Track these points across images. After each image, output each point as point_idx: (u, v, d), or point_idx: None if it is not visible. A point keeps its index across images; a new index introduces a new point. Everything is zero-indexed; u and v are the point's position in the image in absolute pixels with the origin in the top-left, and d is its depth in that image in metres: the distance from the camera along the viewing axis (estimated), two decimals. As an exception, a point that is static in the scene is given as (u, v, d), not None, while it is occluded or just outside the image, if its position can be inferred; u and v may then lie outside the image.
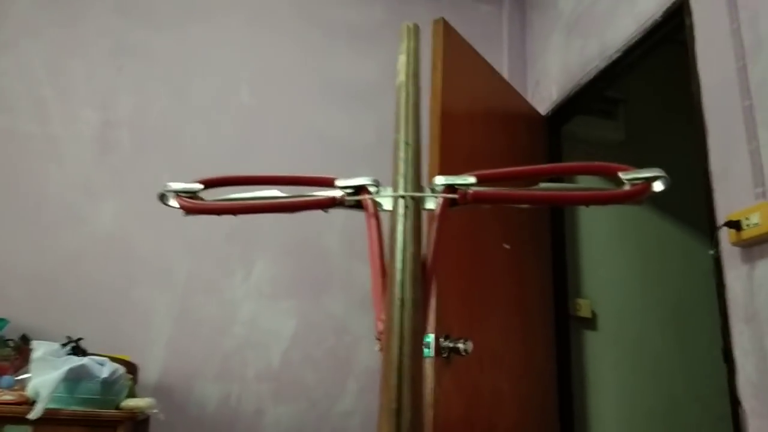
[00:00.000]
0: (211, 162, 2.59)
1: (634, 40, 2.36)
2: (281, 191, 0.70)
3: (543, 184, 0.65)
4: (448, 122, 2.06)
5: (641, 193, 0.63)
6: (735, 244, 1.72)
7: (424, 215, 0.64)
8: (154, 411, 1.87)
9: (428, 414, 1.69)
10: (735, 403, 1.67)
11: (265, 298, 2.51)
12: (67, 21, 2.63)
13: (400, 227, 0.59)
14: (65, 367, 1.72)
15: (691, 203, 2.09)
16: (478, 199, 0.64)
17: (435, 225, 0.63)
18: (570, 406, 2.61)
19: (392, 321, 0.53)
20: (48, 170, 2.43)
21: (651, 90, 3.19)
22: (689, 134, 2.03)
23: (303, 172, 2.63)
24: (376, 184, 0.68)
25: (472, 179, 0.65)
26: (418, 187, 0.65)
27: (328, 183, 0.69)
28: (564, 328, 2.68)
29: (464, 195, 0.65)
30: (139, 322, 2.34)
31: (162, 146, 2.58)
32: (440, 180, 0.66)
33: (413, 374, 0.50)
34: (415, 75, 0.76)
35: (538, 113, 2.90)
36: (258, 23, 2.88)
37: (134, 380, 2.02)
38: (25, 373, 1.81)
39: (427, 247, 0.62)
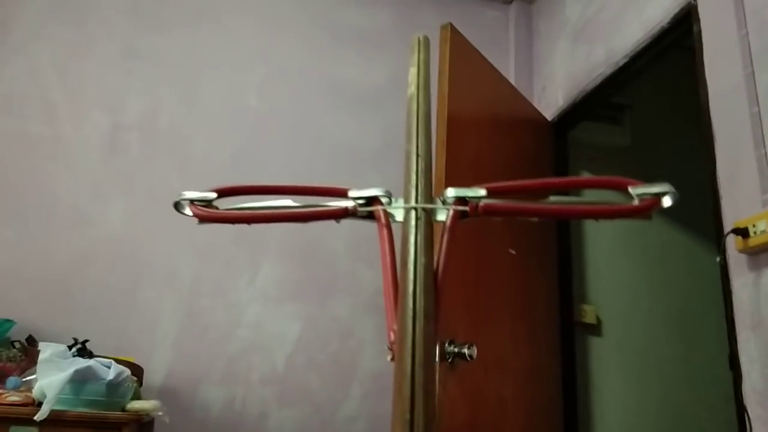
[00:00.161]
0: (218, 165, 2.60)
1: (641, 47, 2.36)
2: (294, 200, 0.71)
3: (553, 198, 0.66)
4: (455, 127, 2.07)
5: (650, 208, 0.63)
6: (742, 251, 1.72)
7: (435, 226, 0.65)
8: (159, 413, 1.88)
9: (433, 419, 1.69)
10: (741, 410, 1.67)
11: (270, 302, 2.52)
12: (77, 24, 2.65)
13: (412, 238, 0.60)
14: (71, 369, 1.73)
15: (698, 210, 2.08)
16: (488, 211, 0.65)
17: (445, 236, 0.64)
18: (575, 412, 2.60)
19: (404, 331, 0.53)
20: (57, 172, 2.45)
21: (657, 96, 3.19)
22: (696, 140, 2.03)
23: (310, 176, 2.64)
24: (388, 195, 0.69)
25: (482, 192, 0.66)
26: (430, 199, 0.66)
27: (342, 194, 0.70)
28: (569, 333, 2.68)
29: (475, 207, 0.65)
30: (145, 325, 2.36)
31: (170, 149, 2.59)
32: (451, 192, 0.66)
33: (426, 384, 0.50)
34: (425, 87, 0.77)
35: (544, 118, 2.90)
36: (267, 27, 2.89)
37: (139, 382, 2.03)
38: (32, 374, 1.82)
39: (438, 258, 0.62)
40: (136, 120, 2.60)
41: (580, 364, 2.72)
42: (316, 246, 2.62)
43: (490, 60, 2.48)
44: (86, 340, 1.95)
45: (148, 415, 1.86)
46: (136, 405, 1.83)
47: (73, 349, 1.88)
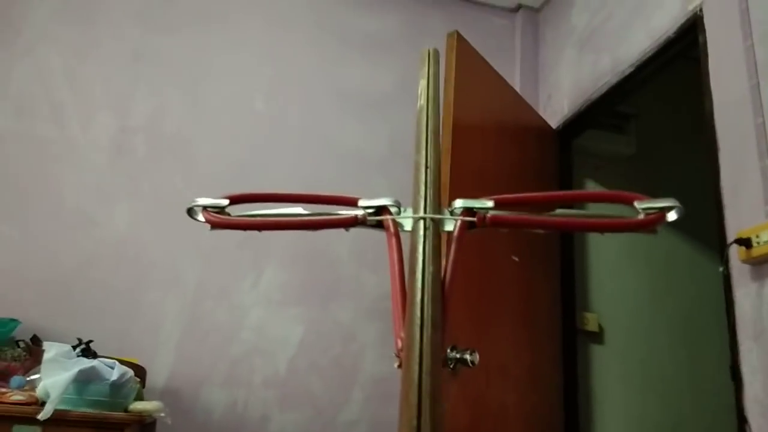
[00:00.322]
0: (224, 168, 2.61)
1: (647, 56, 2.37)
2: (304, 208, 0.72)
3: (559, 210, 0.67)
4: (460, 134, 2.08)
5: (655, 223, 0.64)
6: (745, 261, 1.73)
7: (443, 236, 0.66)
8: (162, 415, 1.88)
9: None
10: (742, 420, 1.67)
11: (273, 305, 2.53)
12: (85, 26, 2.67)
13: (420, 248, 0.61)
14: (75, 369, 1.74)
15: (701, 219, 2.09)
16: (495, 222, 0.66)
17: (453, 246, 0.65)
18: (576, 420, 2.60)
19: (412, 340, 0.54)
20: (63, 174, 2.46)
21: (662, 105, 3.19)
22: (700, 150, 2.03)
23: (316, 179, 2.65)
24: (397, 204, 0.70)
25: (490, 203, 0.67)
26: (438, 209, 0.67)
27: (351, 202, 0.71)
28: (571, 341, 2.68)
29: (482, 218, 0.66)
30: (148, 326, 2.36)
31: (176, 152, 2.61)
32: (459, 203, 0.67)
33: (433, 392, 0.51)
34: (435, 100, 0.78)
35: (549, 127, 2.91)
36: (274, 30, 2.91)
37: (142, 383, 2.04)
38: (36, 373, 1.83)
39: (445, 267, 0.63)
40: (143, 122, 2.61)
41: (582, 372, 2.72)
42: (320, 250, 2.63)
43: (495, 67, 2.49)
44: (90, 341, 1.96)
45: (150, 416, 1.87)
46: (138, 406, 1.83)
47: (78, 350, 1.89)
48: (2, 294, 2.23)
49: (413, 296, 0.56)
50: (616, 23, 2.60)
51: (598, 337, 2.82)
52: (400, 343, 0.57)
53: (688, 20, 2.16)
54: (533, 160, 2.74)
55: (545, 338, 2.55)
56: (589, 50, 2.77)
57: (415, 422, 0.48)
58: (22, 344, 2.01)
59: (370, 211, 0.70)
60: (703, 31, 2.07)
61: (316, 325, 2.54)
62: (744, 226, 1.75)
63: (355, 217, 0.69)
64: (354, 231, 0.73)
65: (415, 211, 0.67)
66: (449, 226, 0.67)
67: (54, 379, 1.71)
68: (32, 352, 1.99)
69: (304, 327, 2.53)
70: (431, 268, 0.58)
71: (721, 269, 1.81)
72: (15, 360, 1.95)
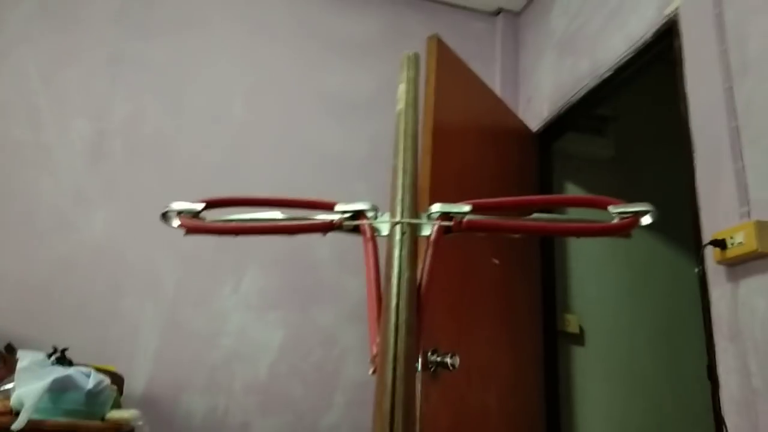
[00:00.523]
0: (203, 173, 2.59)
1: (624, 60, 2.40)
2: (281, 212, 0.71)
3: (535, 214, 0.67)
4: (440, 137, 2.08)
5: (629, 227, 0.65)
6: (720, 262, 1.75)
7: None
8: (139, 423, 1.85)
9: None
10: (719, 420, 1.69)
11: (253, 310, 2.50)
12: (63, 30, 2.63)
13: (396, 253, 0.60)
14: (50, 378, 1.71)
15: (680, 221, 2.11)
16: (472, 227, 0.66)
17: (429, 251, 0.65)
18: (557, 421, 2.62)
19: (387, 345, 0.54)
20: (40, 178, 2.42)
21: (640, 108, 3.23)
22: (677, 152, 2.06)
23: (296, 184, 2.63)
24: (375, 209, 0.70)
25: (467, 208, 0.67)
26: (415, 214, 0.66)
27: (328, 207, 0.70)
28: (552, 343, 2.70)
29: (459, 223, 0.66)
30: (126, 332, 2.33)
31: (154, 156, 2.58)
32: (436, 207, 0.67)
33: (406, 399, 0.51)
34: (414, 104, 0.78)
35: (529, 129, 2.93)
36: (254, 34, 2.89)
37: (120, 391, 2.01)
38: (10, 383, 1.79)
39: (421, 272, 0.63)
40: (121, 126, 2.58)
41: (563, 373, 2.73)
42: (301, 254, 2.62)
43: (476, 71, 2.50)
44: (65, 348, 1.92)
45: (128, 424, 1.84)
46: (115, 414, 1.80)
47: (52, 358, 1.85)
48: (-25, 301, 2.19)
49: (388, 301, 0.56)
50: (594, 27, 2.63)
51: (578, 338, 2.84)
52: (375, 349, 0.56)
53: (664, 24, 2.20)
54: (514, 162, 2.76)
55: (526, 340, 2.56)
56: (568, 54, 2.80)
57: (387, 429, 0.48)
58: (-5, 353, 1.97)
59: (347, 215, 0.69)
60: (679, 35, 2.10)
61: (296, 329, 2.52)
62: (719, 227, 1.77)
63: (332, 222, 0.69)
64: (335, 235, 0.72)
65: (392, 215, 0.66)
66: (426, 231, 0.67)
67: (28, 388, 1.68)
68: (6, 361, 1.94)
69: (285, 332, 2.51)
70: (407, 274, 0.58)
71: (696, 270, 1.84)
72: (-12, 369, 1.91)
